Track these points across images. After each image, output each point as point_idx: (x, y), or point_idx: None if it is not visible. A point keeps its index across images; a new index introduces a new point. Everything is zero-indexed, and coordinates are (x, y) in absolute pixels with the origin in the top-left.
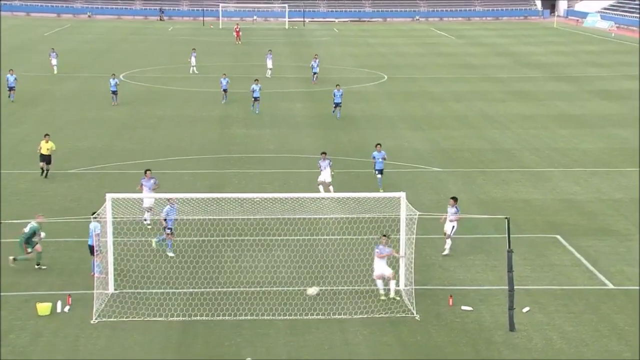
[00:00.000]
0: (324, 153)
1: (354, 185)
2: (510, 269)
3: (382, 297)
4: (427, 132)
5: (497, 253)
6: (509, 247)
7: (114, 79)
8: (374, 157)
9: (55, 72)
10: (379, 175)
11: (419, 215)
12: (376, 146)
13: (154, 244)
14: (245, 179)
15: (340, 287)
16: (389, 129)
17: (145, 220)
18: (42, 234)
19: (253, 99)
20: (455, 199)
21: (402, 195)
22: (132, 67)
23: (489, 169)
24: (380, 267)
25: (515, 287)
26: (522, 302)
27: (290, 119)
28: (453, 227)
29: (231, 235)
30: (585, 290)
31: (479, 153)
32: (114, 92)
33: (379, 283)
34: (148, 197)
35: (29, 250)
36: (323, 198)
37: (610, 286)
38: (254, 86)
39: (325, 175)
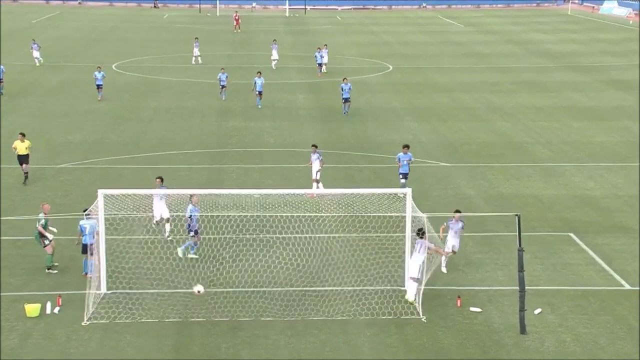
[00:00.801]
0: (315, 146)
1: (357, 180)
2: (521, 269)
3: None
4: (434, 124)
5: (507, 252)
6: (520, 245)
7: (100, 71)
8: (399, 160)
9: (38, 64)
10: (403, 180)
11: (427, 216)
12: (403, 147)
13: (180, 253)
14: (244, 174)
15: (342, 287)
16: (394, 122)
17: (166, 233)
18: (50, 235)
19: (257, 93)
20: (459, 211)
21: (407, 191)
22: (125, 57)
23: (498, 164)
24: (411, 265)
25: (526, 287)
26: (533, 303)
27: (292, 111)
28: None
29: (229, 233)
30: (600, 291)
31: (488, 146)
32: (99, 87)
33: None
34: (144, 191)
35: (46, 242)
36: (324, 194)
37: (627, 286)
38: (256, 79)
39: (313, 171)
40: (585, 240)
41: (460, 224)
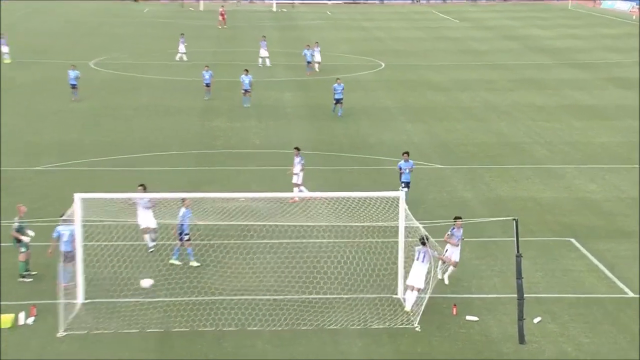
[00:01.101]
0: (297, 148)
1: (348, 183)
2: (519, 275)
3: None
4: (428, 124)
5: (505, 258)
6: (518, 251)
7: (74, 70)
8: (400, 168)
9: (8, 61)
10: (405, 189)
11: (421, 225)
12: (403, 155)
13: (195, 264)
14: (229, 177)
15: (333, 296)
16: (386, 121)
17: (149, 245)
18: (26, 239)
19: (243, 92)
20: (460, 218)
21: (401, 194)
22: (103, 53)
23: (496, 165)
24: (412, 274)
25: (525, 295)
26: (532, 312)
27: (279, 110)
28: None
29: (213, 238)
30: (602, 299)
31: (485, 147)
32: (74, 86)
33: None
34: (123, 195)
35: (22, 249)
36: (315, 198)
37: (630, 294)
38: (243, 77)
39: (294, 175)
40: (587, 246)
41: (460, 232)
